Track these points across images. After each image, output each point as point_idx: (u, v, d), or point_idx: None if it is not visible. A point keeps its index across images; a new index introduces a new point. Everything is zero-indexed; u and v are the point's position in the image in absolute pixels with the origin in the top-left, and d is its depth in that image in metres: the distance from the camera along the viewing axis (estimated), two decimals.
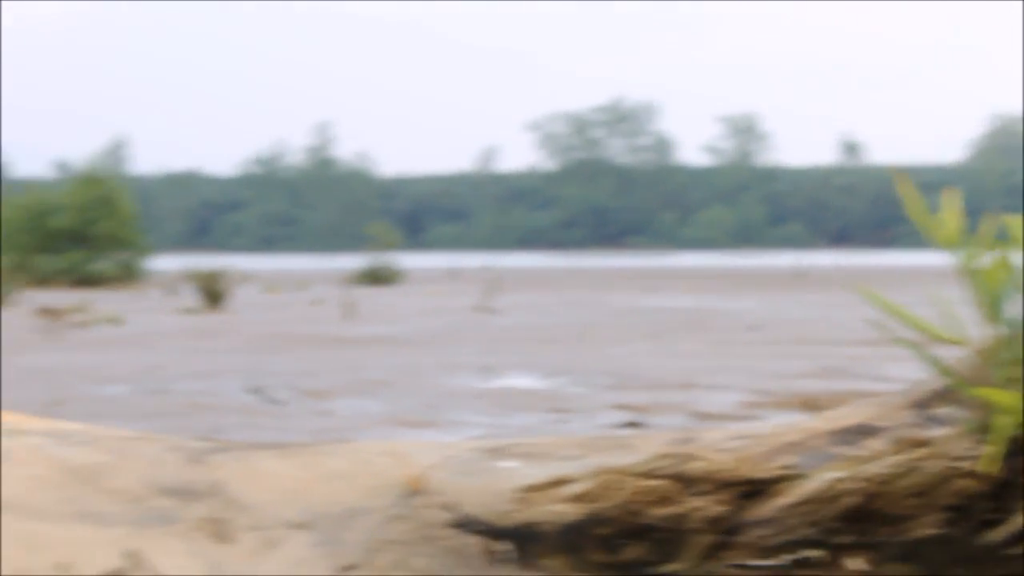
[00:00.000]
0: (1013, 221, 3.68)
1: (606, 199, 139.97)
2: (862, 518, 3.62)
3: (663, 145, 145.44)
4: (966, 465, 3.60)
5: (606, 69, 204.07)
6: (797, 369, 16.25)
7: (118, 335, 23.42)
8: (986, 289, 3.67)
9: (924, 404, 3.76)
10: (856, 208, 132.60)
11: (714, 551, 3.63)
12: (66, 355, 18.81)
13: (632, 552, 3.61)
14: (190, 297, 35.89)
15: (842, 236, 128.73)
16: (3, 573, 3.80)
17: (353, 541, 3.61)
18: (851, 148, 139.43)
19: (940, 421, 3.70)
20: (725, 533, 3.64)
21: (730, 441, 3.80)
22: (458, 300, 37.28)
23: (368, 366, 17.03)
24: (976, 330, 3.69)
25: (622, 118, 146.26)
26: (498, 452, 3.80)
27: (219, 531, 3.69)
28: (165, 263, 58.92)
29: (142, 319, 28.45)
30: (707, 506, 3.66)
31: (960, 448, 3.64)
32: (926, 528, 3.60)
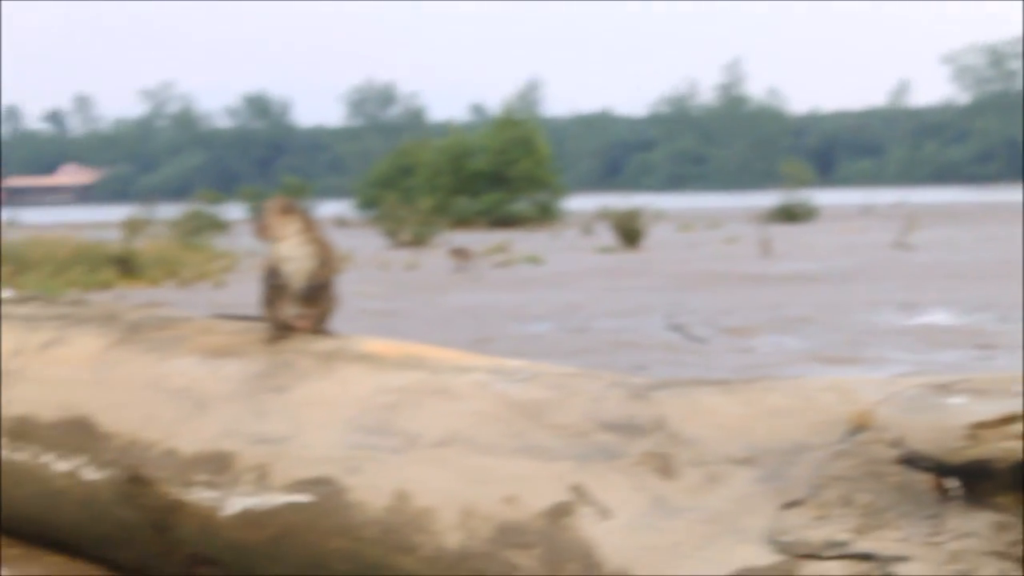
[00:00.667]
0: None
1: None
2: None
3: None
4: None
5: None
6: None
7: (538, 274, 23.87)
8: None
9: None
10: None
11: None
12: (489, 294, 19.27)
13: None
14: (606, 236, 36.25)
15: None
16: (453, 506, 3.91)
17: (798, 477, 3.56)
18: None
19: None
20: None
21: None
22: (873, 236, 36.57)
23: (786, 303, 16.88)
24: None
25: None
26: (945, 388, 3.69)
27: (662, 466, 3.69)
28: (578, 203, 59.64)
29: (560, 258, 28.91)
30: None
31: None
32: None
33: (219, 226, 39.07)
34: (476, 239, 38.77)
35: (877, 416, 3.59)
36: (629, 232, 33.56)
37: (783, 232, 40.25)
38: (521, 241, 37.70)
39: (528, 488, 3.80)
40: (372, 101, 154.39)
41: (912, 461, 3.52)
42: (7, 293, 5.91)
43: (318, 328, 4.72)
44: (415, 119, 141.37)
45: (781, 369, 10.84)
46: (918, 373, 9.19)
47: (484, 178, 56.91)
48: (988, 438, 3.54)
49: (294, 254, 4.67)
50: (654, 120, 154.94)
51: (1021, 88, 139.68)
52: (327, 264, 4.70)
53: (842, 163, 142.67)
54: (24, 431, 5.04)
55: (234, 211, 49.14)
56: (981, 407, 3.62)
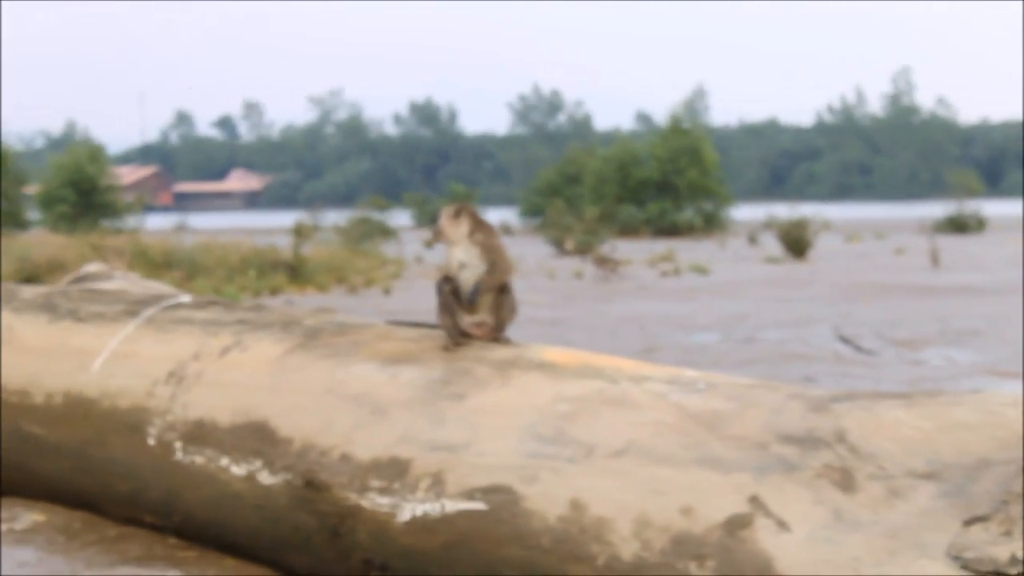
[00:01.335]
0: None
1: None
2: None
3: None
4: None
5: None
6: None
7: (704, 284, 23.75)
8: None
9: None
10: None
11: None
12: (656, 303, 19.22)
13: None
14: (772, 246, 35.97)
15: None
16: (629, 516, 3.89)
17: (982, 492, 3.49)
18: None
19: None
20: None
21: None
22: None
23: (956, 315, 16.60)
24: None
25: None
26: None
27: (842, 480, 3.65)
28: (743, 212, 59.27)
29: (726, 268, 28.75)
30: None
31: None
32: None
33: (386, 232, 39.43)
34: (641, 248, 38.70)
35: None
36: (796, 242, 33.25)
37: (951, 243, 39.63)
38: (686, 250, 37.56)
39: (705, 499, 3.77)
40: (538, 109, 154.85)
41: None
42: (185, 298, 6.01)
43: (496, 336, 4.73)
44: (580, 127, 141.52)
45: (953, 383, 10.65)
46: None
47: (650, 187, 56.81)
48: None
49: (471, 261, 4.68)
50: (820, 129, 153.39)
51: None
52: (498, 271, 4.71)
53: (1010, 173, 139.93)
54: (201, 435, 5.11)
55: (400, 218, 49.61)
56: None
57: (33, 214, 49.82)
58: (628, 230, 53.04)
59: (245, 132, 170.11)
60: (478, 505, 4.19)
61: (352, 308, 17.20)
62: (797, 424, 3.85)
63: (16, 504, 5.93)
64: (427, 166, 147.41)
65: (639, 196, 56.78)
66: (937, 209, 55.79)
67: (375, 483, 4.46)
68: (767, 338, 14.24)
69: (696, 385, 4.21)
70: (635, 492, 3.90)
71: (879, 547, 3.47)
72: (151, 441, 5.28)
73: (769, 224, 39.62)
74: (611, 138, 65.78)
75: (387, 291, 21.60)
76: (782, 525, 3.61)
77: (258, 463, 4.87)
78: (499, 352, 4.66)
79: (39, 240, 30.83)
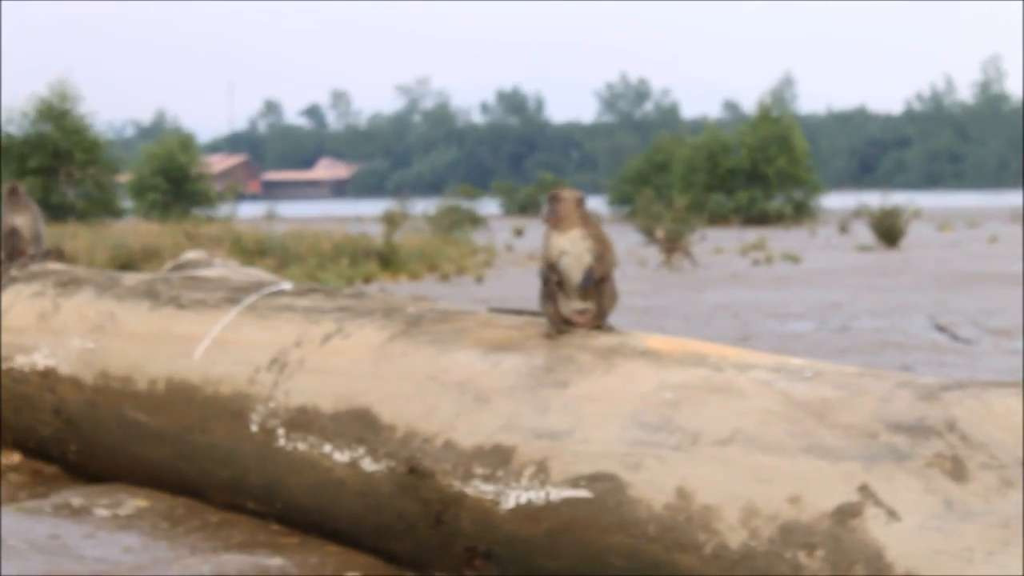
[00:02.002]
0: None
1: None
2: None
3: None
4: None
5: None
6: None
7: (796, 272, 23.61)
8: None
9: None
10: None
11: None
12: (748, 291, 19.14)
13: None
14: (862, 234, 35.70)
15: None
16: (736, 505, 3.86)
17: None
18: None
19: None
20: None
21: None
22: None
23: None
24: None
25: None
26: None
27: (954, 469, 3.60)
28: (831, 201, 58.90)
29: (817, 256, 28.58)
30: None
31: None
32: None
33: (476, 221, 39.50)
34: (731, 236, 38.55)
35: None
36: (888, 230, 32.97)
37: None
38: (777, 239, 37.36)
39: (813, 488, 3.74)
40: (625, 97, 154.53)
41: None
42: (286, 285, 6.03)
43: (598, 324, 4.71)
44: (667, 115, 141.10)
45: None
46: None
47: (740, 175, 56.56)
48: None
49: (573, 249, 4.67)
50: (909, 117, 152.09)
51: None
52: (606, 259, 4.69)
53: None
54: (304, 422, 5.13)
55: (488, 206, 49.65)
56: None
57: (125, 202, 50.30)
58: (717, 219, 52.87)
59: (333, 121, 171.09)
60: (583, 493, 4.17)
61: (445, 296, 17.25)
62: (907, 413, 3.80)
63: (119, 490, 5.98)
64: (514, 155, 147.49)
65: (728, 185, 56.55)
66: None
67: (479, 470, 4.46)
68: (862, 326, 14.13)
69: (803, 373, 4.17)
70: (742, 480, 3.87)
71: (992, 537, 3.43)
72: (253, 428, 5.31)
73: (859, 212, 39.32)
74: (698, 126, 65.60)
75: (479, 279, 21.64)
76: (892, 515, 3.57)
77: (361, 450, 4.88)
78: (602, 340, 4.64)
79: (132, 228, 31.16)
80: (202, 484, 5.69)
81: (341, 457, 4.95)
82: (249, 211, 53.10)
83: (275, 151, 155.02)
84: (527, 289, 18.62)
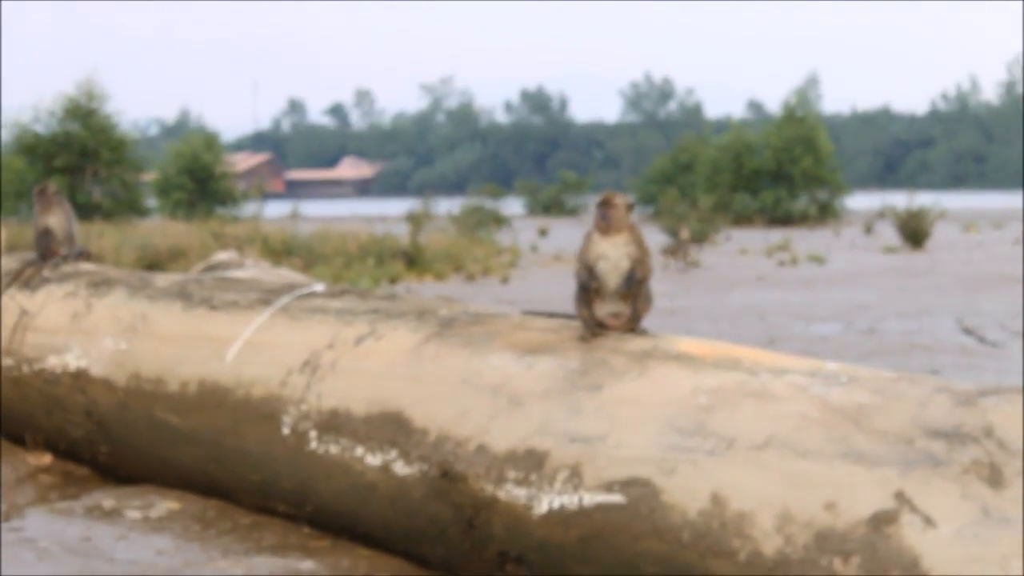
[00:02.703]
0: None
1: None
2: None
3: None
4: None
5: None
6: None
7: (822, 273, 23.56)
8: None
9: None
10: None
11: None
12: (774, 293, 19.10)
13: None
14: (887, 235, 35.62)
15: None
16: (771, 511, 3.85)
17: None
18: None
19: None
20: None
21: None
22: None
23: None
24: None
25: None
26: None
27: (991, 475, 3.58)
28: (855, 201, 58.75)
29: (843, 257, 28.51)
30: None
31: None
32: None
33: (500, 220, 39.49)
34: (756, 237, 38.47)
35: None
36: (913, 232, 32.87)
37: None
38: (802, 239, 37.27)
39: (849, 494, 3.72)
40: (649, 97, 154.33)
41: None
42: (319, 286, 6.04)
43: (632, 327, 4.71)
44: (691, 115, 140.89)
45: None
46: None
47: (764, 176, 56.47)
48: None
49: (613, 253, 4.66)
50: (934, 117, 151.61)
51: None
52: (643, 263, 4.69)
53: None
54: (336, 424, 5.13)
55: (512, 206, 49.62)
56: None
57: (150, 201, 50.39)
58: (742, 219, 52.78)
59: (356, 120, 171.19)
60: (616, 498, 4.17)
61: (471, 296, 17.24)
62: (943, 418, 3.79)
63: (151, 492, 5.99)
64: (537, 154, 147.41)
65: (753, 185, 56.45)
66: None
67: (512, 474, 4.45)
68: (889, 329, 14.09)
69: (838, 378, 4.16)
70: (777, 486, 3.86)
71: None
72: (285, 430, 5.31)
73: (884, 213, 39.21)
74: (722, 126, 65.44)
75: (505, 279, 21.63)
76: (929, 521, 3.56)
77: (393, 453, 4.88)
78: (636, 343, 4.63)
79: (158, 227, 31.22)
80: (233, 486, 5.69)
81: (373, 460, 4.95)
82: (273, 210, 53.11)
83: (299, 150, 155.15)
84: (553, 290, 18.63)
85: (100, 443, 6.36)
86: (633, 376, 4.44)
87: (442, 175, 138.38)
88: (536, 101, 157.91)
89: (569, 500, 4.27)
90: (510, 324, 5.06)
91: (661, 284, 20.52)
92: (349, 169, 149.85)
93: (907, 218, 33.52)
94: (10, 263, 7.25)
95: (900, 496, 3.64)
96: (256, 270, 6.69)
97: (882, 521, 3.62)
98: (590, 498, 4.22)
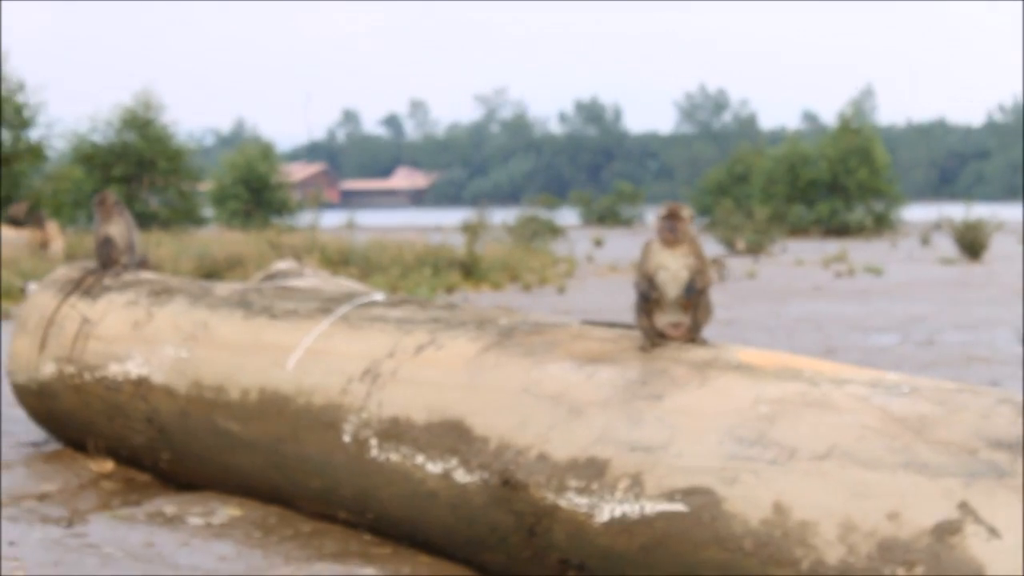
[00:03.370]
0: None
1: None
2: None
3: None
4: None
5: None
6: None
7: (879, 284, 23.44)
8: None
9: None
10: None
11: None
12: (831, 304, 19.02)
13: None
14: (944, 246, 35.41)
15: None
16: (833, 520, 3.84)
17: None
18: None
19: None
20: None
21: None
22: None
23: None
24: None
25: None
26: None
27: None
28: (911, 213, 58.47)
29: (899, 268, 28.36)
30: None
31: None
32: None
33: (555, 230, 39.49)
34: (812, 248, 38.33)
35: None
36: (971, 243, 32.66)
37: None
38: (858, 250, 37.12)
39: (912, 504, 3.71)
40: (704, 108, 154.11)
41: None
42: (378, 296, 6.06)
43: (692, 337, 4.71)
44: (746, 127, 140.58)
45: None
46: None
47: (820, 186, 56.35)
48: None
49: (673, 264, 4.67)
50: (990, 129, 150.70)
51: None
52: (702, 274, 4.69)
53: None
54: (396, 433, 5.15)
55: (567, 216, 49.61)
56: None
57: (206, 211, 50.69)
58: (798, 230, 52.66)
59: (411, 130, 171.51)
60: (678, 507, 4.17)
61: (528, 306, 17.24)
62: (1007, 429, 3.78)
63: (212, 498, 6.03)
64: (591, 165, 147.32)
65: (808, 196, 56.35)
66: None
67: (573, 483, 4.46)
68: (947, 340, 14.01)
69: (900, 388, 4.15)
70: (840, 496, 3.85)
71: None
72: (346, 438, 5.34)
73: (940, 225, 39.00)
74: (777, 137, 65.36)
75: (561, 289, 21.62)
76: (993, 532, 3.55)
77: (454, 461, 4.89)
78: (696, 353, 4.64)
79: (215, 237, 31.38)
80: (294, 494, 5.72)
81: (434, 468, 4.97)
82: (328, 220, 53.27)
83: (353, 160, 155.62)
84: (610, 300, 18.62)
85: (162, 450, 6.41)
86: (694, 386, 4.45)
87: (496, 185, 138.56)
88: (590, 112, 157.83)
89: (631, 509, 4.28)
90: (569, 334, 5.07)
91: (718, 295, 20.36)
92: (403, 179, 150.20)
93: (964, 230, 33.31)
94: (71, 272, 7.32)
95: (964, 506, 3.63)
96: (315, 279, 6.73)
97: (946, 531, 3.61)
98: (652, 507, 4.23)
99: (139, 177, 46.16)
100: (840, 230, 53.86)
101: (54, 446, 7.33)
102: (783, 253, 30.66)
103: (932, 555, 3.60)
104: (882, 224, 56.06)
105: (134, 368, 6.48)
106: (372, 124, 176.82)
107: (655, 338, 4.70)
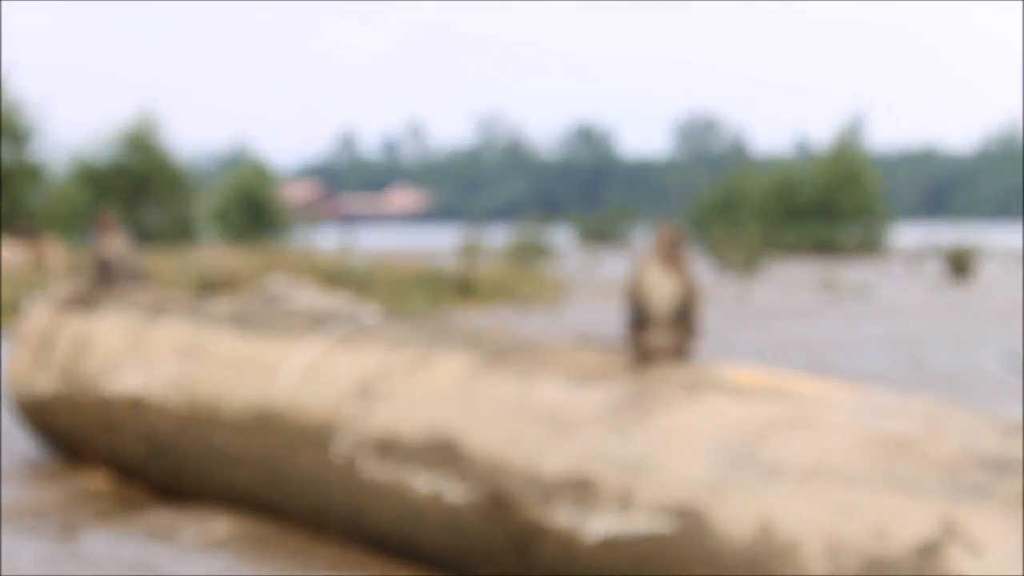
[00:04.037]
0: None
1: None
2: None
3: None
4: None
5: None
6: None
7: (867, 305, 23.48)
8: None
9: None
10: None
11: None
12: (821, 324, 19.06)
13: None
14: (934, 270, 35.48)
15: None
16: (820, 539, 3.89)
17: None
18: None
19: None
20: None
21: None
22: None
23: None
24: None
25: None
26: None
27: None
28: (901, 235, 58.60)
29: (888, 290, 28.40)
30: None
31: None
32: None
33: (547, 252, 39.54)
34: (801, 268, 38.38)
35: None
36: (960, 266, 32.78)
37: None
38: (848, 271, 37.11)
39: (899, 523, 3.76)
40: (695, 133, 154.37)
41: None
42: (373, 313, 6.12)
43: (682, 356, 4.77)
44: (738, 152, 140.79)
45: None
46: None
47: (810, 208, 56.60)
48: None
49: (665, 283, 4.72)
50: (981, 156, 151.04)
51: None
52: (693, 294, 4.75)
53: None
54: (388, 449, 5.20)
55: (560, 236, 49.61)
56: None
57: (203, 229, 50.70)
58: (788, 250, 52.78)
59: (408, 152, 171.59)
60: (666, 525, 4.22)
61: (521, 325, 17.28)
62: (993, 449, 3.83)
63: (207, 513, 6.07)
64: (585, 189, 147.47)
65: (799, 217, 56.62)
66: None
67: (562, 500, 4.51)
68: (936, 361, 14.08)
69: (887, 408, 4.21)
70: (827, 514, 3.91)
71: None
72: (339, 455, 5.39)
73: (929, 248, 39.09)
74: (768, 163, 65.46)
75: (554, 308, 21.65)
76: (977, 551, 3.60)
77: (446, 478, 4.95)
78: (685, 372, 4.69)
79: (211, 255, 31.38)
80: (286, 509, 5.78)
81: (426, 485, 5.02)
82: (325, 239, 53.32)
83: (350, 180, 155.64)
84: (603, 319, 18.63)
85: (156, 465, 6.46)
86: (683, 405, 4.50)
87: (492, 206, 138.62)
88: (584, 136, 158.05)
89: (619, 527, 4.33)
90: (561, 352, 5.12)
91: (708, 314, 20.49)
92: (400, 199, 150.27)
93: (954, 253, 33.42)
94: (68, 288, 7.37)
95: (949, 525, 3.68)
96: (310, 296, 6.78)
97: (931, 550, 3.66)
98: (640, 525, 4.28)
99: (137, 195, 46.22)
100: (830, 251, 54.02)
101: (51, 461, 7.38)
102: (774, 274, 30.68)
103: (918, 573, 3.65)
104: (872, 246, 56.26)
105: (131, 384, 6.53)
106: (369, 145, 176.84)
107: (645, 357, 4.76)
